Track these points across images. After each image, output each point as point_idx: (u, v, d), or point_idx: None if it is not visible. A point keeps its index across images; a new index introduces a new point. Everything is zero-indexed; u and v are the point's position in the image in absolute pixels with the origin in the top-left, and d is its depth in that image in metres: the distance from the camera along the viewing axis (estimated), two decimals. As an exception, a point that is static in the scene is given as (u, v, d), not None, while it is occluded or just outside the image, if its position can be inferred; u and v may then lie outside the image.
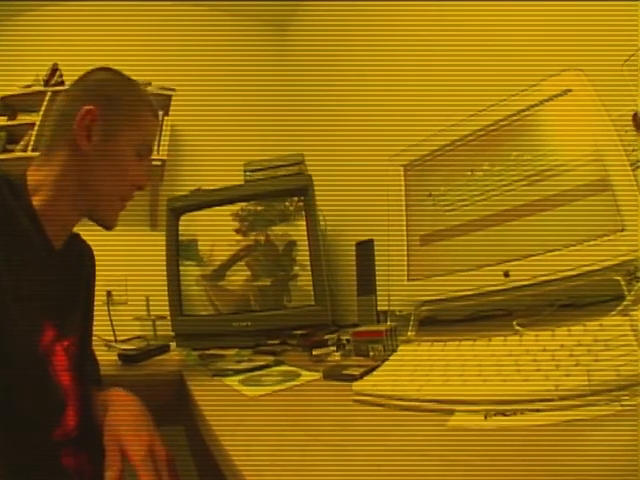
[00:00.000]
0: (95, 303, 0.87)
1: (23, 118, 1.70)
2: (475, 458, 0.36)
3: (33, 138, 1.62)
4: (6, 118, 1.70)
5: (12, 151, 1.65)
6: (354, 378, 0.63)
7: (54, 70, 1.73)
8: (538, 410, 0.40)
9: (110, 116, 0.70)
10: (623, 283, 0.58)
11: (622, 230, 0.59)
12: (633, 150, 0.66)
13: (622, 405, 0.36)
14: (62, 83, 1.70)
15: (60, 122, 0.70)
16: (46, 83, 1.71)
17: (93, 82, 0.73)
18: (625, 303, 0.56)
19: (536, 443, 0.36)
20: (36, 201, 0.65)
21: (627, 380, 0.37)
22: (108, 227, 0.75)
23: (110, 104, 0.71)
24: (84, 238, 0.85)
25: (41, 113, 1.65)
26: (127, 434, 0.59)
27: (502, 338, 0.55)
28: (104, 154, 0.69)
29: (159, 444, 0.60)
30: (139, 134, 0.73)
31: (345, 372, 0.68)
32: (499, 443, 0.37)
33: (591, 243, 0.62)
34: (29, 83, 1.72)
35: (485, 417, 0.42)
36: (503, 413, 0.42)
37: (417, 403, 0.49)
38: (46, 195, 0.66)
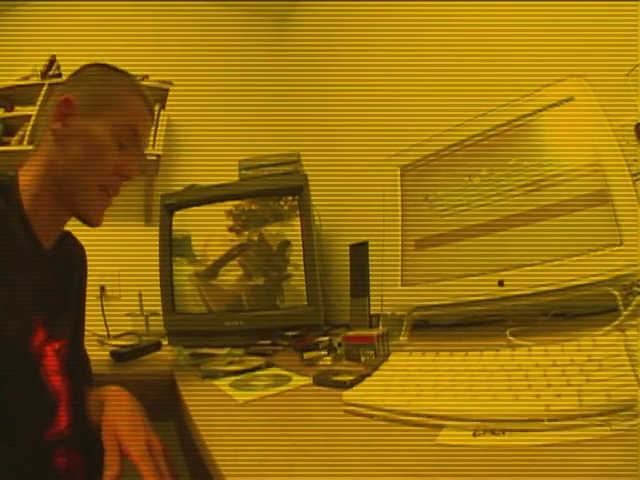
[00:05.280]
0: (87, 302, 0.85)
1: (20, 110, 1.68)
2: (462, 478, 0.35)
3: (29, 130, 1.61)
4: (3, 110, 1.68)
5: (8, 143, 1.63)
6: (344, 385, 0.62)
7: (52, 62, 1.71)
8: (527, 430, 0.39)
9: (89, 102, 0.68)
10: (619, 298, 0.57)
11: (620, 244, 0.58)
12: (635, 160, 0.65)
13: (611, 429, 0.36)
14: (59, 75, 1.69)
15: (43, 117, 0.69)
16: (43, 75, 1.70)
17: (78, 75, 0.72)
18: (621, 318, 0.55)
19: (523, 464, 0.35)
20: (25, 200, 0.64)
21: (618, 404, 0.36)
22: (91, 222, 0.71)
23: (91, 91, 0.69)
24: (78, 234, 0.83)
25: (38, 105, 1.63)
26: (125, 431, 0.60)
27: (494, 352, 0.54)
28: (79, 137, 0.66)
29: (155, 438, 0.61)
30: (118, 118, 0.69)
31: (335, 378, 0.67)
32: (487, 462, 0.37)
33: (588, 256, 0.61)
34: (26, 75, 1.70)
35: (474, 434, 0.41)
36: (492, 431, 0.41)
37: (407, 417, 0.48)
38: (33, 192, 0.65)
